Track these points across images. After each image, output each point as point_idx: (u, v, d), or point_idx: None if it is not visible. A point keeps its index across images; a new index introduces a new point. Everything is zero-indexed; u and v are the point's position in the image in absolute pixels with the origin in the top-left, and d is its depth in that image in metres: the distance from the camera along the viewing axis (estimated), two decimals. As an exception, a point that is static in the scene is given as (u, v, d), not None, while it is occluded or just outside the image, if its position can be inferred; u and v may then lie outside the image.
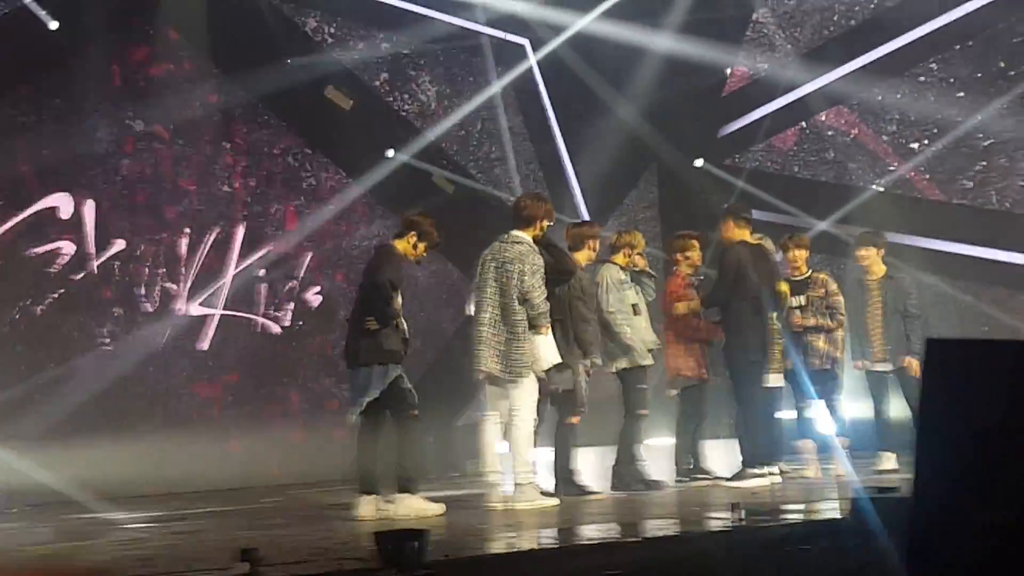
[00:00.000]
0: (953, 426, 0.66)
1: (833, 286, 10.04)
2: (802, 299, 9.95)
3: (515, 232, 8.24)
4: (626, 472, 9.37)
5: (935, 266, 13.10)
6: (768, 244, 10.06)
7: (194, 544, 7.16)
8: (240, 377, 12.47)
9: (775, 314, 9.76)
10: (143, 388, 11.99)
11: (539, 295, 8.04)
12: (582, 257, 9.04)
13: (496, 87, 13.78)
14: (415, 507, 7.72)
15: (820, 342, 9.89)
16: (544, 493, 8.45)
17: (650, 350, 9.43)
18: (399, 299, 7.90)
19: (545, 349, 8.19)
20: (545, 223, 8.33)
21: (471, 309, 8.38)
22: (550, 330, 8.21)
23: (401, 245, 8.02)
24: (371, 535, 5.57)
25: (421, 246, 8.04)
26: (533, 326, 8.07)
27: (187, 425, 12.01)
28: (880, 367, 10.20)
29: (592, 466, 9.98)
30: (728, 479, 9.25)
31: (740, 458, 9.33)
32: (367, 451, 7.92)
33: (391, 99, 13.55)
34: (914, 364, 10.01)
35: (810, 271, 10.19)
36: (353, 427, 8.01)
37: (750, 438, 9.17)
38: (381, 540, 5.50)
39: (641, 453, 9.56)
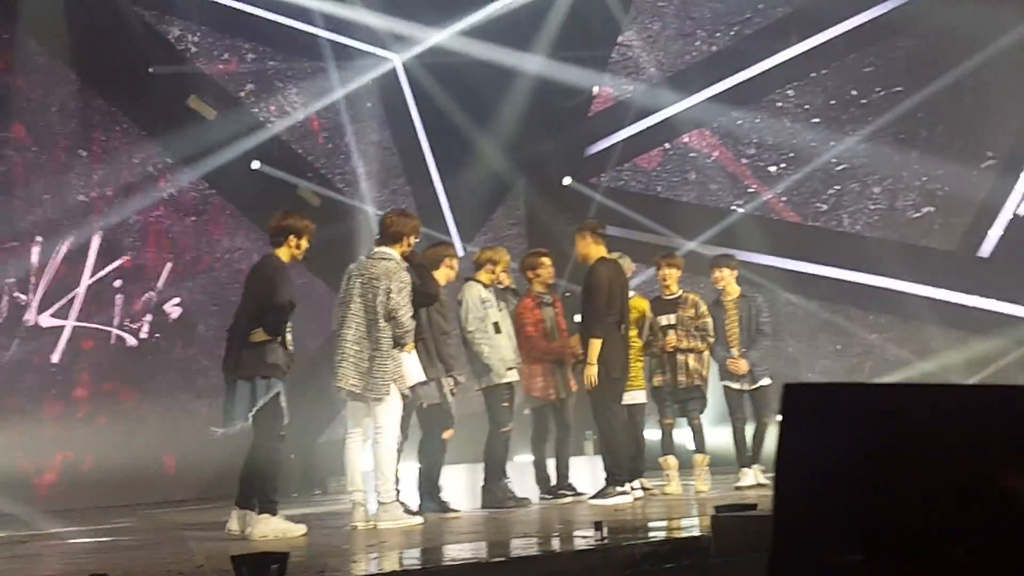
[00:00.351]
0: (811, 470, 0.69)
1: (703, 307, 10.20)
2: (672, 318, 10.09)
3: (382, 248, 8.19)
4: (496, 489, 9.39)
5: (792, 286, 13.45)
6: (627, 263, 10.21)
7: (38, 569, 6.91)
8: (92, 391, 12.13)
9: (636, 331, 9.90)
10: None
11: (406, 313, 8.02)
12: (440, 276, 9.06)
13: (363, 102, 13.69)
14: (276, 528, 7.58)
15: (690, 360, 10.06)
16: (408, 511, 8.40)
17: (511, 368, 9.47)
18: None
19: (410, 366, 8.18)
20: (412, 240, 8.31)
21: (335, 324, 8.27)
22: (414, 348, 8.21)
23: (284, 254, 7.85)
24: (228, 558, 5.43)
25: (303, 243, 7.89)
26: (398, 344, 8.04)
27: (37, 441, 11.63)
28: (737, 384, 10.41)
29: (462, 483, 9.97)
30: (591, 496, 9.32)
31: (604, 475, 9.40)
32: (248, 464, 7.76)
33: (257, 110, 13.37)
34: (741, 365, 10.23)
35: (681, 291, 10.33)
36: (222, 437, 7.83)
37: (612, 456, 9.24)
38: (238, 564, 5.35)
39: (507, 470, 9.58)
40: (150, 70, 12.41)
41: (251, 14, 12.85)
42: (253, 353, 7.54)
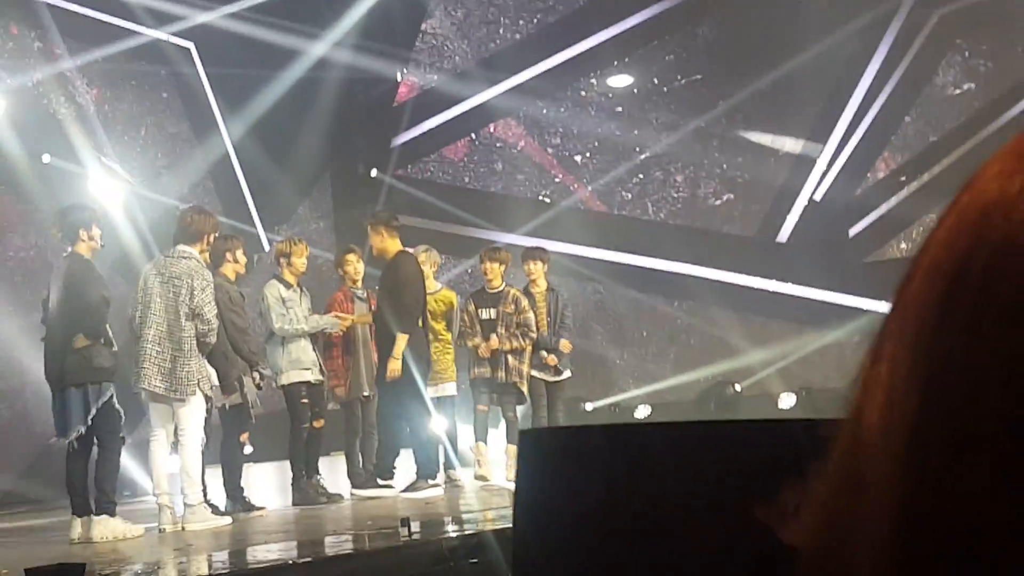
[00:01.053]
0: (549, 515, 0.67)
1: (524, 302, 10.24)
2: (493, 312, 10.13)
3: (182, 247, 8.01)
4: (306, 486, 9.31)
5: (599, 273, 13.68)
6: (434, 255, 10.20)
7: None
8: None
9: (443, 324, 9.94)
10: None
11: (210, 311, 7.90)
12: (227, 271, 8.94)
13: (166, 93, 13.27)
14: (115, 529, 7.42)
15: (510, 359, 10.13)
16: (216, 512, 8.28)
17: (307, 368, 9.41)
18: None
19: (209, 368, 8.10)
20: (211, 238, 8.21)
21: (133, 324, 8.04)
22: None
23: (84, 248, 7.60)
24: (22, 572, 5.25)
25: (96, 232, 7.67)
26: (201, 343, 7.89)
27: None
28: (547, 376, 10.52)
29: (275, 480, 9.86)
30: (402, 490, 9.30)
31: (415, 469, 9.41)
32: (81, 472, 7.55)
33: (46, 101, 12.81)
34: (551, 359, 10.38)
35: (504, 285, 10.34)
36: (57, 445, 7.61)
37: (422, 450, 9.23)
38: (33, 576, 5.20)
39: (318, 467, 9.53)
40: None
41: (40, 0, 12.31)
42: (78, 359, 7.31)
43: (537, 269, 10.53)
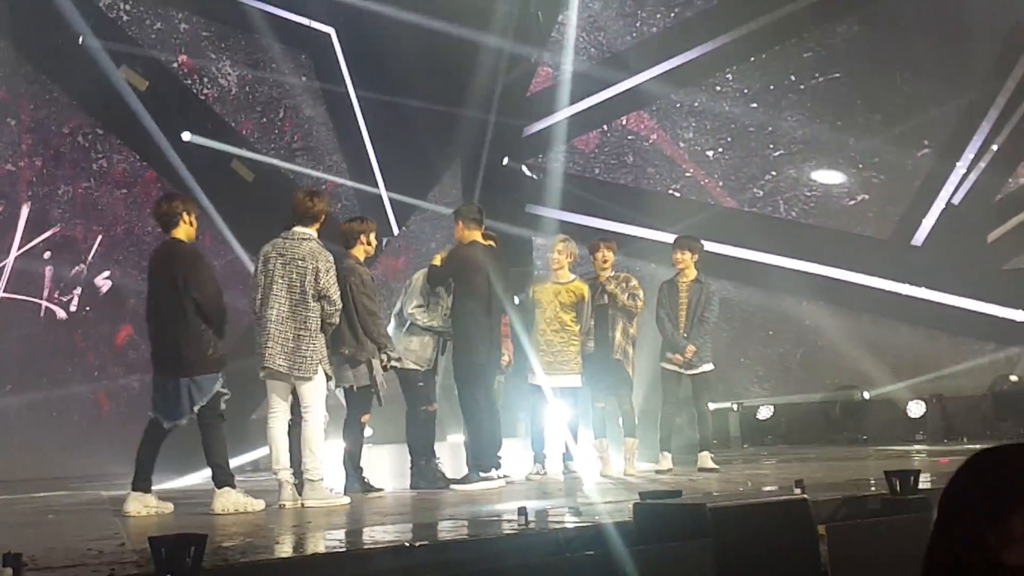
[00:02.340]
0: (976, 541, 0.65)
1: (634, 281, 10.27)
2: (604, 298, 10.12)
3: (301, 229, 8.11)
4: (426, 469, 9.36)
5: (727, 271, 13.52)
6: (572, 246, 10.20)
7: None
8: (21, 364, 11.95)
9: (572, 315, 9.93)
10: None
11: (336, 291, 8.02)
12: (358, 253, 9.04)
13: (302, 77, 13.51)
14: (236, 501, 7.60)
15: (618, 335, 10.09)
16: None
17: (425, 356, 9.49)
18: None
19: None
20: (324, 219, 8.37)
21: (254, 305, 8.18)
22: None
23: (182, 232, 7.79)
24: (146, 539, 5.35)
25: (195, 222, 7.86)
26: (326, 323, 8.00)
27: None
28: (677, 368, 10.42)
29: (391, 463, 9.96)
30: (455, 481, 9.18)
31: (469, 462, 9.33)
32: (154, 451, 7.73)
33: (189, 82, 13.16)
34: (688, 350, 10.24)
35: (615, 272, 10.35)
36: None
37: (475, 442, 9.12)
38: (156, 545, 5.28)
39: (435, 450, 9.57)
40: (80, 40, 12.16)
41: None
42: (192, 350, 7.52)
43: (685, 258, 10.42)
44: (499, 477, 9.12)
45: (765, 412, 13.25)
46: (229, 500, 7.60)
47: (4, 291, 11.97)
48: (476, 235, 9.19)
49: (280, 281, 7.95)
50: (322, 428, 8.12)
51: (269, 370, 7.99)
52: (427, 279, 9.36)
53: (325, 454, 8.38)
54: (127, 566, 5.40)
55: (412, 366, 9.38)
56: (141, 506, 7.55)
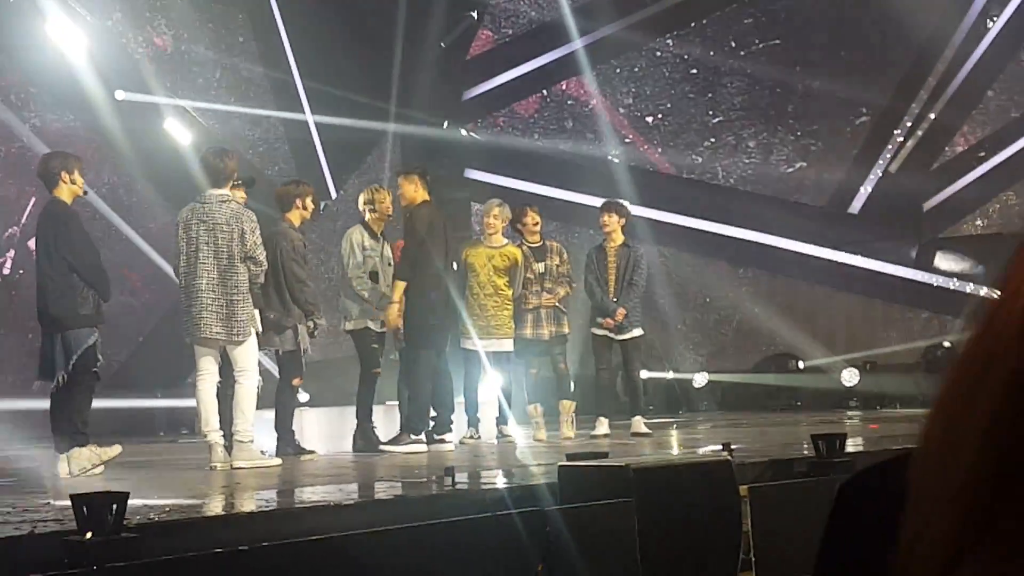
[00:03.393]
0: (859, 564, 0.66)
1: (565, 255, 10.28)
2: (540, 267, 10.13)
3: (218, 192, 7.99)
4: (370, 432, 9.34)
5: (664, 237, 13.57)
6: (505, 211, 10.20)
7: None
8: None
9: (505, 280, 9.94)
10: None
11: (262, 252, 8.00)
12: (294, 217, 8.98)
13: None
14: (90, 456, 7.51)
15: (555, 312, 10.12)
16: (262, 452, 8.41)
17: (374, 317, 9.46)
18: None
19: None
20: (234, 180, 8.32)
21: (179, 276, 8.14)
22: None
23: (65, 192, 7.72)
24: (68, 497, 5.33)
25: (78, 178, 7.79)
26: (253, 283, 7.98)
27: None
28: (606, 333, 10.46)
29: (328, 426, 9.95)
30: (384, 442, 9.14)
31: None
32: (61, 411, 7.71)
33: (124, 40, 12.99)
34: (618, 314, 10.27)
35: (544, 239, 10.36)
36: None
37: (414, 403, 9.05)
38: (77, 502, 5.27)
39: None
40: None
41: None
42: (65, 305, 7.49)
43: (612, 222, 10.41)
44: (438, 440, 9.12)
45: (700, 380, 13.36)
46: (84, 458, 7.50)
47: (-65, 252, 11.82)
48: (424, 194, 9.14)
49: (205, 248, 7.90)
50: (255, 391, 8.10)
51: (202, 338, 7.96)
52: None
53: (255, 417, 8.38)
54: (49, 523, 5.39)
55: (371, 326, 9.34)
56: (67, 464, 7.50)
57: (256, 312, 8.09)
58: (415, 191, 9.11)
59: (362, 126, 13.85)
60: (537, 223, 10.30)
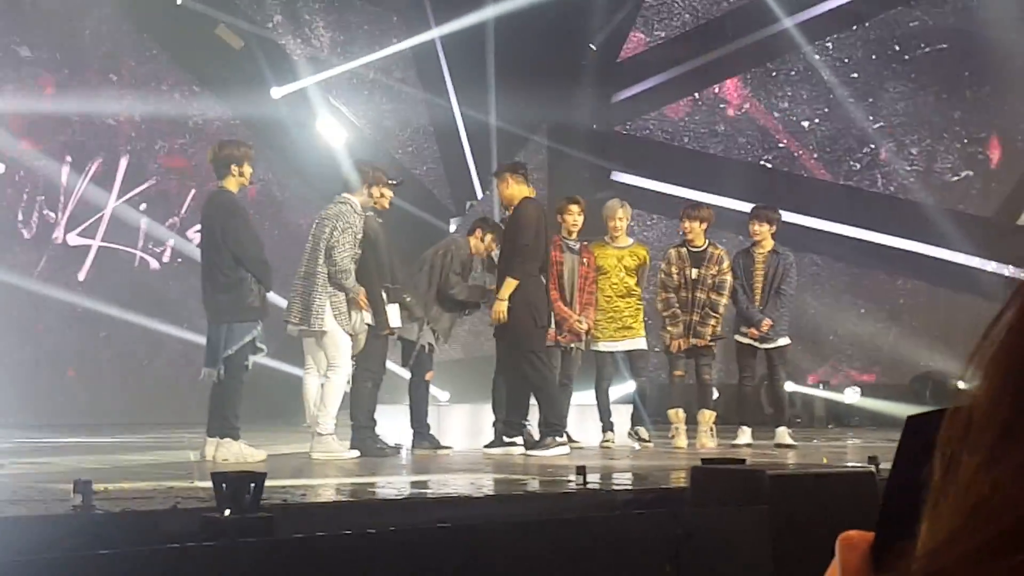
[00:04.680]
0: (921, 497, 0.62)
1: (726, 264, 10.03)
2: (695, 272, 9.97)
3: (344, 194, 8.32)
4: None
5: (819, 245, 13.25)
6: (627, 209, 10.09)
7: (35, 475, 7.02)
8: (115, 311, 12.28)
9: (635, 279, 9.85)
10: (18, 315, 11.77)
11: (341, 252, 8.07)
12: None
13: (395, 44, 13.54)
14: (237, 452, 7.67)
15: (706, 321, 9.94)
16: (385, 445, 8.50)
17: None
18: None
19: (391, 314, 8.38)
20: (374, 190, 8.41)
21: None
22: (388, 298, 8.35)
23: (232, 183, 7.84)
24: (209, 475, 5.49)
25: (246, 169, 7.87)
26: (334, 283, 8.10)
27: (59, 357, 11.83)
28: (751, 341, 10.25)
29: (466, 422, 9.98)
30: (528, 448, 8.88)
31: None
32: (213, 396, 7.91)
33: (283, 42, 13.33)
34: (764, 324, 10.02)
35: (707, 244, 10.15)
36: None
37: (546, 404, 8.81)
38: (218, 480, 5.42)
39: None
40: (178, 2, 12.41)
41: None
42: (228, 297, 7.58)
43: (763, 230, 10.16)
44: (563, 443, 8.97)
45: (851, 394, 12.96)
46: (231, 451, 7.62)
47: (102, 240, 12.30)
48: (526, 190, 9.00)
49: (310, 240, 8.26)
50: (341, 386, 8.19)
51: (288, 323, 8.21)
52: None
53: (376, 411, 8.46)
54: (191, 500, 5.55)
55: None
56: (214, 450, 7.69)
57: (343, 308, 8.12)
58: (507, 188, 8.92)
59: (509, 129, 13.88)
60: (688, 228, 10.08)
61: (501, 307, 8.73)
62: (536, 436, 9.25)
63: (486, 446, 9.00)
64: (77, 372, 11.99)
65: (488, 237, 9.47)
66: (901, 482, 0.70)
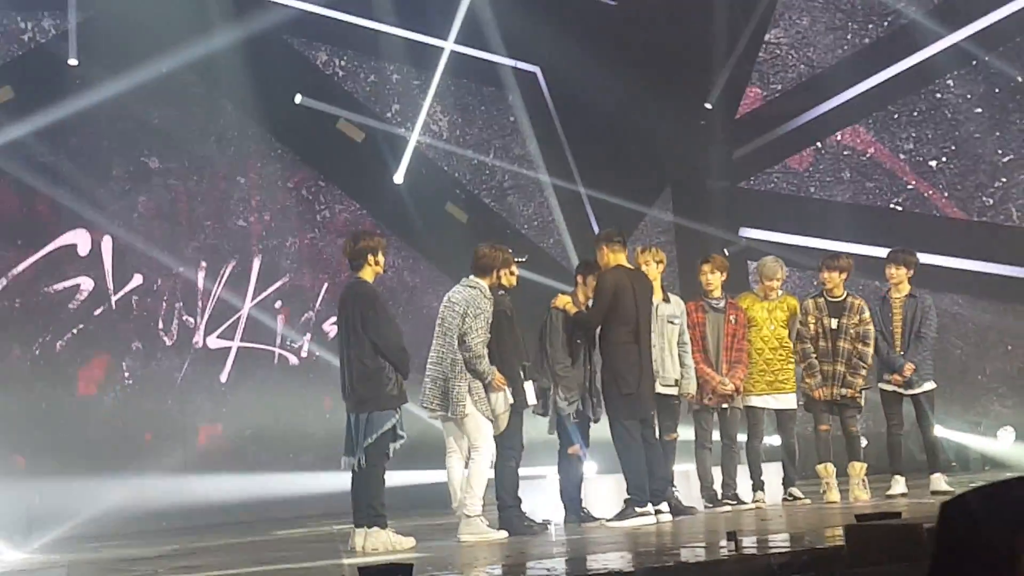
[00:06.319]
0: None
1: (867, 313, 9.84)
2: (835, 322, 9.82)
3: (471, 278, 8.33)
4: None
5: (957, 285, 12.90)
6: (780, 266, 9.96)
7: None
8: (258, 408, 12.54)
9: (786, 332, 9.71)
10: (165, 421, 12.10)
11: (475, 338, 8.05)
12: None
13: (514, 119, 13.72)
14: (386, 541, 7.70)
15: (849, 373, 9.74)
16: (532, 523, 8.47)
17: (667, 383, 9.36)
18: None
19: (527, 392, 8.45)
20: (503, 271, 8.42)
21: None
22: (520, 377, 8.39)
23: (368, 273, 7.98)
24: (355, 570, 5.52)
25: (380, 259, 8.00)
26: (470, 369, 8.07)
27: (208, 459, 12.10)
28: (896, 388, 10.01)
29: (615, 493, 9.90)
30: (610, 519, 8.74)
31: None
32: (361, 487, 7.94)
33: (403, 130, 13.60)
34: (906, 370, 9.77)
35: (846, 294, 9.98)
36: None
37: (630, 475, 8.64)
38: (364, 574, 5.45)
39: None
40: (299, 96, 12.77)
41: (392, 35, 13.10)
42: (369, 387, 7.67)
43: (900, 274, 9.96)
44: (655, 512, 8.70)
45: (1006, 435, 12.50)
46: (379, 540, 7.65)
47: (241, 340, 12.61)
48: (620, 258, 8.93)
49: (439, 324, 8.25)
50: (486, 468, 8.16)
51: (427, 409, 8.21)
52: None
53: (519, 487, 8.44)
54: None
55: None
56: (363, 540, 7.74)
57: (481, 392, 8.11)
58: (603, 257, 8.88)
59: (631, 198, 13.88)
60: (827, 279, 9.90)
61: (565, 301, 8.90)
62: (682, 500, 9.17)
63: (609, 520, 8.77)
64: (227, 471, 12.21)
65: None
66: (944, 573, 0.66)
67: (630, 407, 8.67)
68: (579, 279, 9.20)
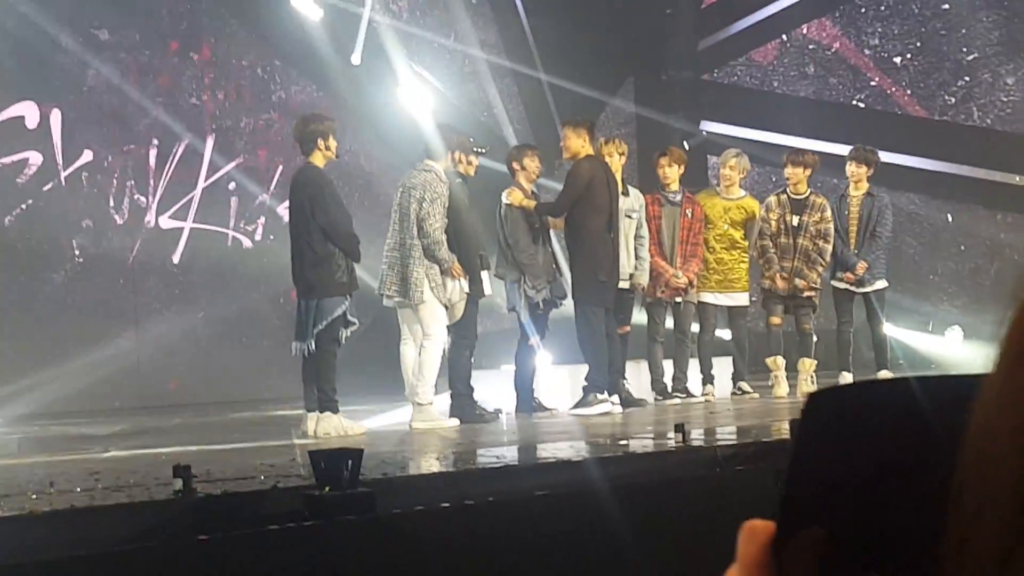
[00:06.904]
0: (826, 483, 0.57)
1: (828, 212, 9.85)
2: (796, 219, 9.81)
3: (427, 161, 8.27)
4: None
5: (912, 183, 12.91)
6: (744, 161, 9.93)
7: (134, 460, 7.12)
8: (211, 291, 12.42)
9: (742, 233, 9.70)
10: (116, 301, 11.96)
11: (432, 223, 8.02)
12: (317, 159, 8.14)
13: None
14: (337, 425, 7.71)
15: (806, 269, 9.76)
16: (482, 411, 8.47)
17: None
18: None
19: (484, 281, 8.40)
20: (459, 155, 8.34)
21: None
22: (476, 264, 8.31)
23: (319, 158, 7.82)
24: (306, 453, 5.51)
25: (332, 143, 7.87)
26: (428, 255, 8.04)
27: (160, 340, 12.01)
28: (847, 286, 10.06)
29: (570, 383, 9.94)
30: (572, 407, 8.86)
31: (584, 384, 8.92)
32: (311, 372, 7.92)
33: (361, 8, 13.26)
34: (859, 268, 9.81)
35: (810, 192, 9.95)
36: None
37: (592, 361, 8.72)
38: (315, 459, 5.43)
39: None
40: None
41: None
42: (318, 273, 7.60)
43: (860, 172, 9.96)
44: (605, 400, 8.76)
45: (954, 334, 12.63)
46: (331, 424, 7.66)
47: (193, 222, 12.44)
48: (589, 148, 8.88)
49: (396, 210, 8.21)
50: (438, 356, 8.17)
51: (385, 296, 8.14)
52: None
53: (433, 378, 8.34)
54: (291, 479, 5.59)
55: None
56: (315, 424, 7.74)
57: (438, 280, 8.08)
58: (582, 145, 8.81)
59: (593, 86, 13.68)
60: (792, 175, 9.87)
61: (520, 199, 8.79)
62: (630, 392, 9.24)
63: (571, 408, 8.89)
64: (176, 354, 12.14)
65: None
66: (804, 467, 0.62)
67: (600, 294, 8.72)
68: (515, 166, 9.07)
